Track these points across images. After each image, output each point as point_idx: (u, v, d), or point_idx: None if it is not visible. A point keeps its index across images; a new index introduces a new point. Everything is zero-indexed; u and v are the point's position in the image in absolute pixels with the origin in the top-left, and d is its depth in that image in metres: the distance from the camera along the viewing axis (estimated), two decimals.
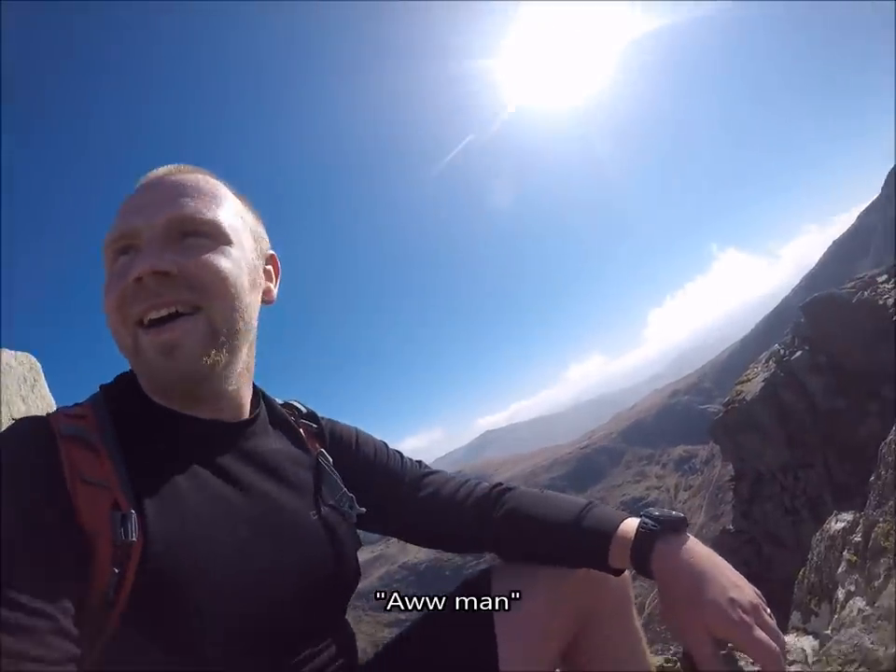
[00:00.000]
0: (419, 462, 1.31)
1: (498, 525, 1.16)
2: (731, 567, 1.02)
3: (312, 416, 1.23)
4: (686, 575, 0.98)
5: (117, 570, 0.76)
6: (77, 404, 0.93)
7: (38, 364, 3.66)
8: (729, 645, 1.00)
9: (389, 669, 1.14)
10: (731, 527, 11.57)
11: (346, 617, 1.14)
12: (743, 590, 0.97)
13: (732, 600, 0.94)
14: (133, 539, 0.77)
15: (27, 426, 0.84)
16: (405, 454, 1.32)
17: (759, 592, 1.00)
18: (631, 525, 1.06)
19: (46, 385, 3.64)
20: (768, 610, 0.97)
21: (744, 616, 0.93)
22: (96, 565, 0.76)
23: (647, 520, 1.04)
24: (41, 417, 0.85)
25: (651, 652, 1.29)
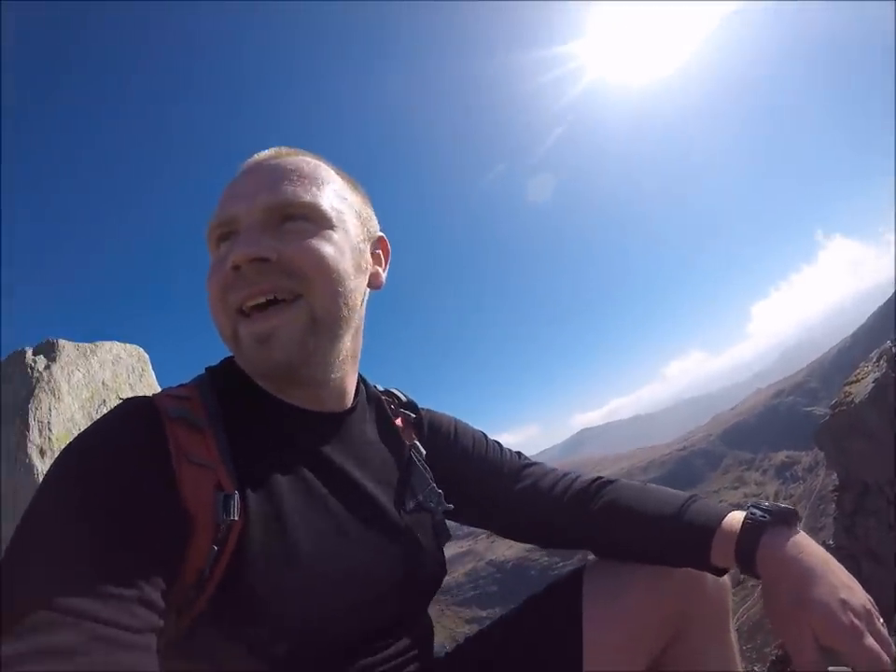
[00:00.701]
0: (518, 453, 1.26)
1: (595, 518, 1.11)
2: (843, 567, 0.93)
3: (411, 406, 1.20)
4: (794, 571, 0.90)
5: (216, 548, 0.77)
6: (182, 385, 0.93)
7: (146, 355, 3.99)
8: None
9: (470, 663, 1.11)
10: (831, 542, 10.72)
11: (427, 611, 1.12)
12: (855, 592, 0.89)
13: (843, 602, 0.86)
14: (235, 518, 0.78)
15: (133, 406, 0.84)
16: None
17: (871, 599, 0.90)
18: (737, 518, 0.99)
19: (153, 374, 3.97)
20: (881, 619, 0.88)
21: (855, 621, 0.84)
22: (196, 542, 0.76)
23: (755, 510, 0.98)
24: (147, 398, 0.85)
25: None
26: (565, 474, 1.20)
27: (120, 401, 0.86)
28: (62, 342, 3.21)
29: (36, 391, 2.95)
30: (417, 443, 1.13)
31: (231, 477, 0.81)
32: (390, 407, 1.15)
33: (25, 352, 3.08)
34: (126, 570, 0.67)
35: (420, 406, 1.22)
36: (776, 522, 0.95)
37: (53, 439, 2.97)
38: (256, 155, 1.00)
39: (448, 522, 1.11)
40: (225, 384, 0.94)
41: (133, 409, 0.84)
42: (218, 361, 1.00)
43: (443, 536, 1.08)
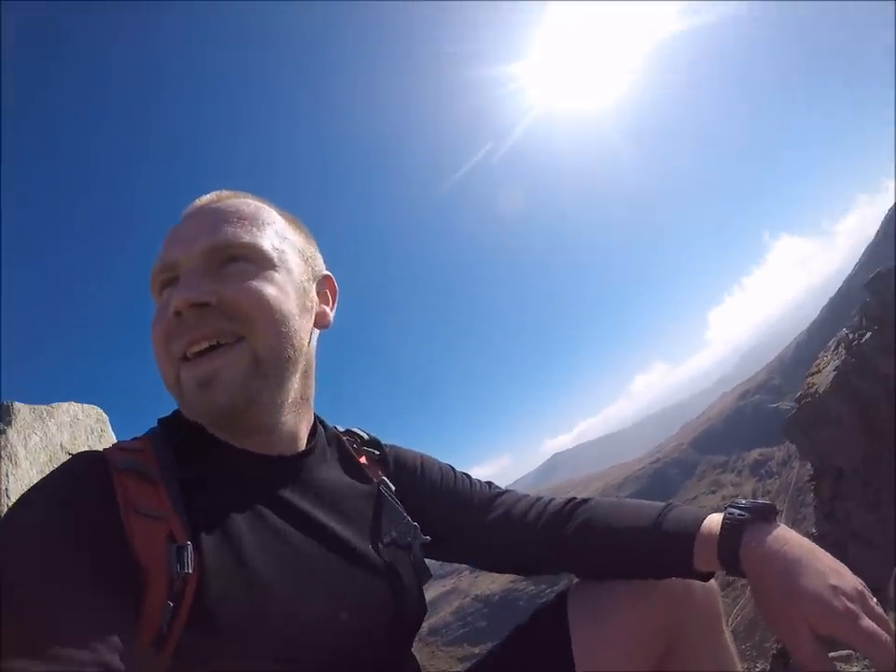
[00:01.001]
0: (489, 483, 1.24)
1: (572, 539, 1.09)
2: (828, 553, 0.92)
3: (374, 443, 1.18)
4: (779, 565, 0.89)
5: (172, 604, 0.74)
6: (135, 438, 0.91)
7: (105, 415, 3.85)
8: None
9: None
10: (814, 531, 10.89)
11: (414, 652, 1.09)
12: (844, 576, 0.88)
13: (833, 588, 0.84)
14: (190, 571, 0.75)
15: (80, 459, 0.83)
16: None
17: (861, 581, 0.89)
18: (715, 520, 0.99)
19: (113, 434, 3.83)
20: (874, 598, 0.87)
21: (848, 605, 0.83)
22: (150, 598, 0.74)
23: (733, 510, 0.97)
24: (96, 452, 0.84)
25: None
26: (537, 499, 1.19)
27: (70, 456, 0.85)
28: (17, 404, 3.06)
29: None
30: (385, 479, 1.11)
31: (185, 527, 0.78)
32: (352, 446, 1.13)
33: None
34: (78, 630, 0.64)
35: (384, 443, 1.21)
36: (755, 519, 0.95)
37: (11, 505, 2.80)
38: (197, 200, 1.00)
39: (428, 561, 1.09)
40: (178, 433, 0.92)
41: (80, 462, 0.82)
42: (171, 412, 0.97)
43: (423, 573, 1.05)
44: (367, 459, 1.13)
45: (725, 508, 1.00)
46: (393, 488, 1.09)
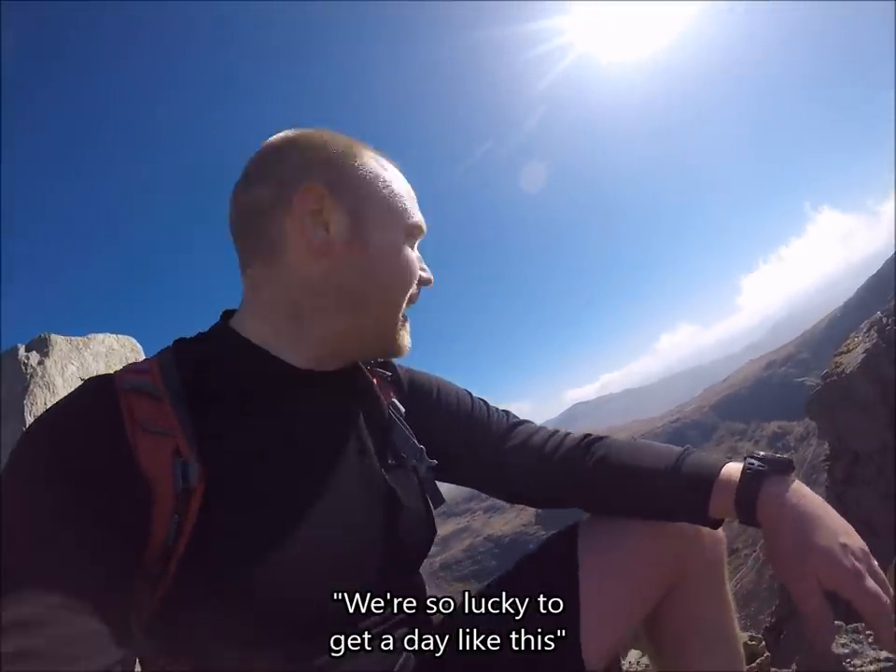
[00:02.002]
0: (506, 412, 1.23)
1: (588, 474, 1.08)
2: (838, 514, 0.94)
3: (386, 364, 1.17)
4: (795, 519, 0.90)
5: (177, 517, 0.76)
6: (145, 359, 0.91)
7: (139, 346, 3.99)
8: None
9: (466, 620, 1.07)
10: None
11: (422, 573, 1.09)
12: (853, 536, 0.90)
13: (843, 546, 0.87)
14: (194, 484, 0.77)
15: (89, 382, 0.84)
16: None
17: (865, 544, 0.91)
18: (734, 468, 0.98)
19: None
20: (875, 562, 0.89)
21: (856, 563, 0.85)
22: (157, 511, 0.76)
23: (753, 460, 0.97)
24: (106, 375, 0.84)
25: None
26: (555, 432, 1.18)
27: (82, 381, 0.86)
28: (54, 336, 3.20)
29: (31, 387, 2.95)
30: (395, 401, 1.11)
31: (191, 443, 0.79)
32: (365, 366, 1.10)
33: (18, 348, 3.07)
34: (88, 542, 0.68)
35: (398, 365, 1.20)
36: (773, 471, 0.95)
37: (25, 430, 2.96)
38: (388, 157, 1.02)
39: (444, 498, 1.10)
40: (202, 351, 0.92)
41: (89, 386, 0.83)
42: (195, 334, 0.97)
43: (435, 497, 1.07)
44: (378, 380, 1.12)
45: (744, 458, 1.00)
46: (402, 410, 1.10)
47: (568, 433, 1.18)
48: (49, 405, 2.99)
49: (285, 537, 0.82)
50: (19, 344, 3.10)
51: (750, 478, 0.95)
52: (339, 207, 0.92)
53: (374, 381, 1.09)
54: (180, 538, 0.76)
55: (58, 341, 3.18)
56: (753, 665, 2.30)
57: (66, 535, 0.67)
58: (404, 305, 0.98)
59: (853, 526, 0.93)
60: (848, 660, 1.75)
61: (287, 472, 0.87)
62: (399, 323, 0.99)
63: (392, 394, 1.12)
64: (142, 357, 3.94)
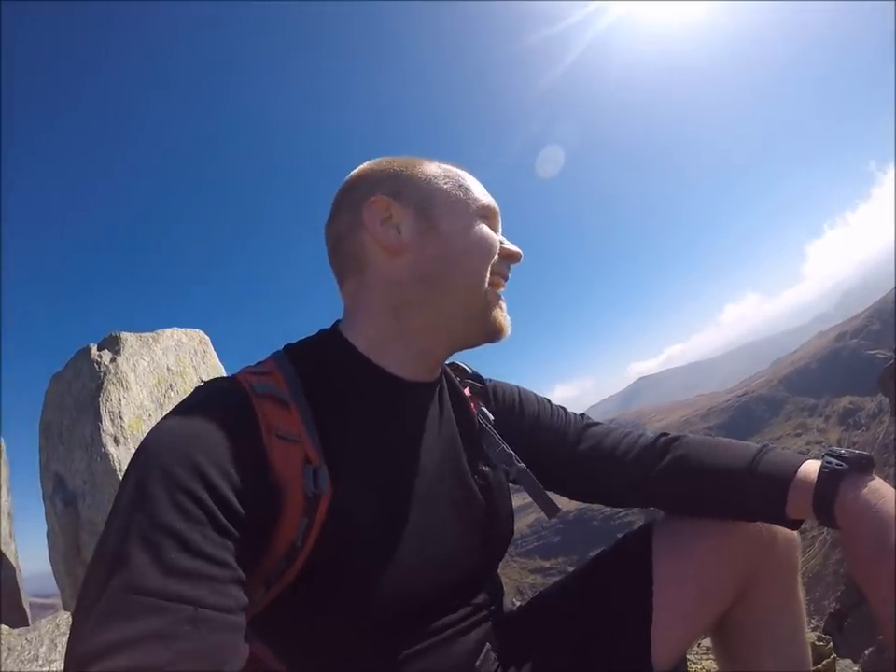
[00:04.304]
0: (582, 415, 1.26)
1: (663, 474, 1.08)
2: None
3: (476, 377, 1.23)
4: (873, 519, 0.87)
5: (307, 519, 0.80)
6: (260, 362, 0.94)
7: (207, 337, 4.10)
8: None
9: (541, 617, 1.13)
10: None
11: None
12: None
13: None
14: (324, 490, 0.80)
15: (217, 386, 0.86)
16: (555, 402, 1.28)
17: None
18: (812, 467, 0.95)
19: (215, 355, 4.08)
20: None
21: None
22: (287, 515, 0.79)
23: (831, 458, 0.94)
24: (228, 377, 0.87)
25: None
26: (629, 432, 1.19)
27: (201, 384, 0.88)
28: (124, 334, 3.31)
29: (105, 384, 3.06)
30: (485, 409, 1.15)
31: (318, 449, 0.82)
32: (457, 378, 1.16)
33: (90, 348, 3.20)
34: (217, 550, 0.68)
35: (484, 377, 1.25)
36: (852, 469, 0.91)
37: (125, 427, 3.08)
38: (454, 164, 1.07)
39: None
40: (314, 357, 0.96)
41: (218, 388, 0.85)
42: (301, 339, 1.01)
43: (545, 503, 1.10)
44: (469, 391, 1.17)
45: (823, 455, 0.96)
46: (492, 418, 1.14)
47: (642, 434, 1.19)
48: (122, 401, 3.12)
49: (401, 535, 0.87)
50: (91, 344, 3.23)
51: (828, 477, 0.92)
52: (405, 209, 0.97)
53: (466, 391, 1.16)
54: (308, 537, 0.80)
55: (128, 338, 3.30)
56: (820, 666, 2.27)
57: (196, 546, 0.67)
58: (486, 280, 0.98)
59: None
60: None
61: (395, 475, 0.92)
62: (491, 301, 1.00)
63: (481, 403, 1.17)
64: (210, 348, 4.05)
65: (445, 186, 1.00)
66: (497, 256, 1.00)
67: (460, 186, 1.01)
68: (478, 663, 0.98)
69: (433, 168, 1.02)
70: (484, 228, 1.00)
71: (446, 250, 0.96)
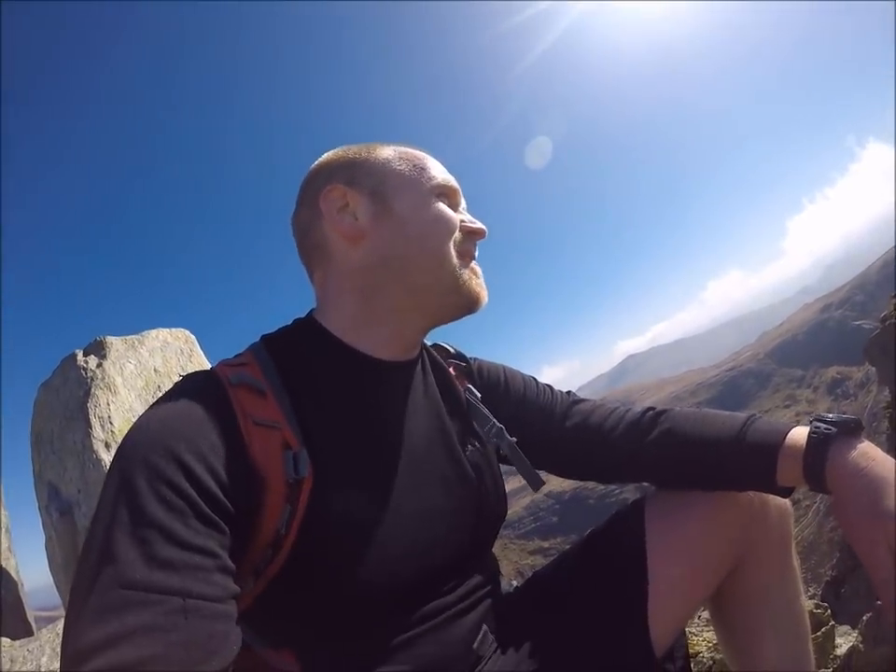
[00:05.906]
0: (568, 392, 1.26)
1: (652, 448, 1.08)
2: None
3: (460, 356, 1.23)
4: (865, 483, 0.87)
5: (289, 505, 0.80)
6: (237, 355, 0.95)
7: (193, 336, 4.06)
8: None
9: (537, 596, 1.13)
10: None
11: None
12: None
13: None
14: (305, 475, 0.80)
15: (194, 378, 0.87)
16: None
17: None
18: (800, 433, 0.95)
19: (202, 354, 4.05)
20: None
21: None
22: (270, 502, 0.79)
23: (819, 423, 0.94)
24: (205, 370, 0.88)
25: None
26: (615, 408, 1.19)
27: (179, 378, 0.88)
28: (109, 338, 3.28)
29: (93, 389, 3.03)
30: (471, 387, 1.15)
31: (297, 434, 0.83)
32: (440, 358, 1.17)
33: (76, 354, 3.16)
34: (202, 539, 0.68)
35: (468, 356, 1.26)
36: (841, 433, 0.92)
37: (116, 432, 3.06)
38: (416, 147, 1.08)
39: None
40: (291, 345, 0.97)
41: (195, 381, 0.87)
42: (277, 329, 1.02)
43: (529, 475, 1.12)
44: (454, 370, 1.18)
45: (811, 421, 0.96)
46: (479, 395, 1.14)
47: (629, 409, 1.18)
48: (111, 406, 3.09)
49: (386, 515, 0.87)
50: (77, 350, 3.19)
51: (817, 442, 0.92)
52: (360, 194, 0.98)
53: (450, 370, 1.16)
54: (292, 523, 0.80)
55: (113, 342, 3.26)
56: (818, 633, 2.29)
57: (181, 536, 0.67)
58: (451, 256, 0.98)
59: None
60: None
61: (379, 456, 0.92)
62: (461, 275, 0.99)
63: (467, 381, 1.18)
64: (196, 347, 4.01)
65: (399, 168, 1.01)
66: (459, 233, 1.00)
67: (415, 166, 1.01)
68: (476, 644, 0.98)
69: (388, 151, 1.03)
70: (440, 206, 1.00)
71: (403, 231, 0.97)
